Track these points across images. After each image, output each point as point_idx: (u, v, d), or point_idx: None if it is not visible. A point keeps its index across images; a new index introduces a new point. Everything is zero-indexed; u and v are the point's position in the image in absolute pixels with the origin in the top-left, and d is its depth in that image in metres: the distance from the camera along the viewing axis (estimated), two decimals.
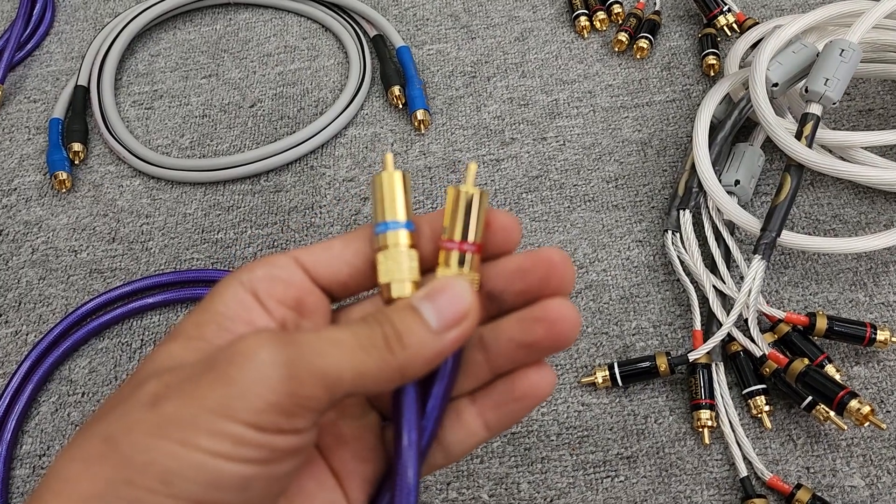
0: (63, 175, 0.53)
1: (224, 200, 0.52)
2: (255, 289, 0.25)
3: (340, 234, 0.27)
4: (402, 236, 0.25)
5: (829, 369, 0.40)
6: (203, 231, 0.51)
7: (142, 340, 0.48)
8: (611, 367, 0.42)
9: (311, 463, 0.25)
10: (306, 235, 0.50)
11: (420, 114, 0.53)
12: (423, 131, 0.54)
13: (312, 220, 0.51)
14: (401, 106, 0.55)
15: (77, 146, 0.55)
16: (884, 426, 0.36)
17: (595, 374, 0.42)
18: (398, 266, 0.25)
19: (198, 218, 0.52)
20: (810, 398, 0.39)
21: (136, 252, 0.51)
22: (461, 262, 0.25)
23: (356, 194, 0.52)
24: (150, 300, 0.47)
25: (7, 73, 0.60)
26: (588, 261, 0.47)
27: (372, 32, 0.59)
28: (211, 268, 0.50)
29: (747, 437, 0.40)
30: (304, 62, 0.59)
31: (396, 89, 0.55)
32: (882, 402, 0.41)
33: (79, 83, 0.58)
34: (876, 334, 0.41)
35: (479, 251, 0.25)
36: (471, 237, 0.25)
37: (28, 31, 0.63)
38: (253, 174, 0.53)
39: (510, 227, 0.26)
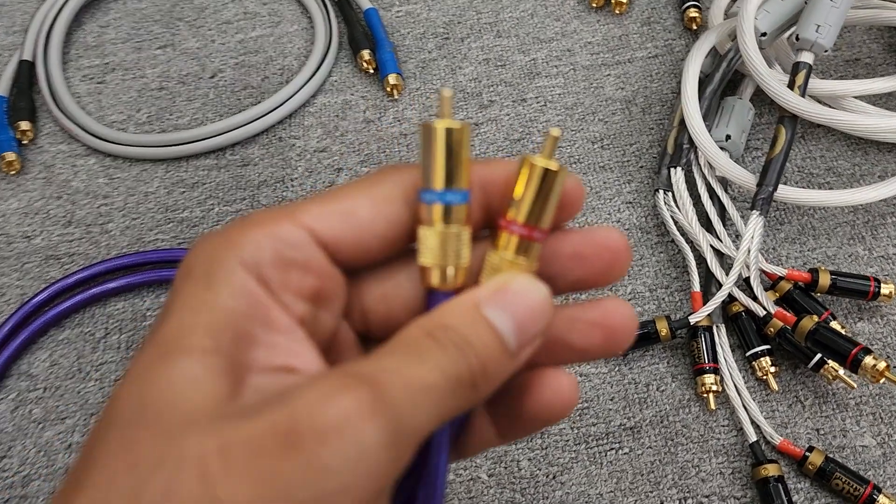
0: (11, 156, 0.49)
1: (188, 177, 0.49)
2: (264, 276, 0.20)
3: (359, 186, 0.22)
4: (460, 212, 0.21)
5: (835, 326, 0.39)
6: (167, 210, 0.48)
7: (106, 329, 0.44)
8: None
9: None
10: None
11: (392, 78, 0.50)
12: (396, 97, 0.51)
13: (283, 194, 0.48)
14: (372, 71, 0.52)
15: (24, 125, 0.51)
16: None
17: None
18: (451, 249, 0.21)
19: (160, 196, 0.48)
20: (818, 357, 0.37)
21: (94, 235, 0.47)
22: (525, 250, 0.21)
23: (329, 165, 0.49)
24: (112, 284, 0.44)
25: None
26: (577, 225, 0.45)
27: None
28: (177, 247, 0.46)
29: (754, 401, 0.38)
30: (266, 29, 0.56)
31: (366, 53, 0.52)
32: (889, 357, 0.40)
33: (23, 58, 0.54)
34: (880, 288, 0.40)
35: (545, 236, 0.22)
36: (545, 223, 0.21)
37: None
38: (217, 148, 0.50)
39: (574, 195, 0.22)
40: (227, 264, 0.20)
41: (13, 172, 0.50)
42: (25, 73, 0.54)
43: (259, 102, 0.51)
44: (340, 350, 0.24)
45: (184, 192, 0.48)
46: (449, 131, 0.20)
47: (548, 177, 0.21)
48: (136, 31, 0.57)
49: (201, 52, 0.55)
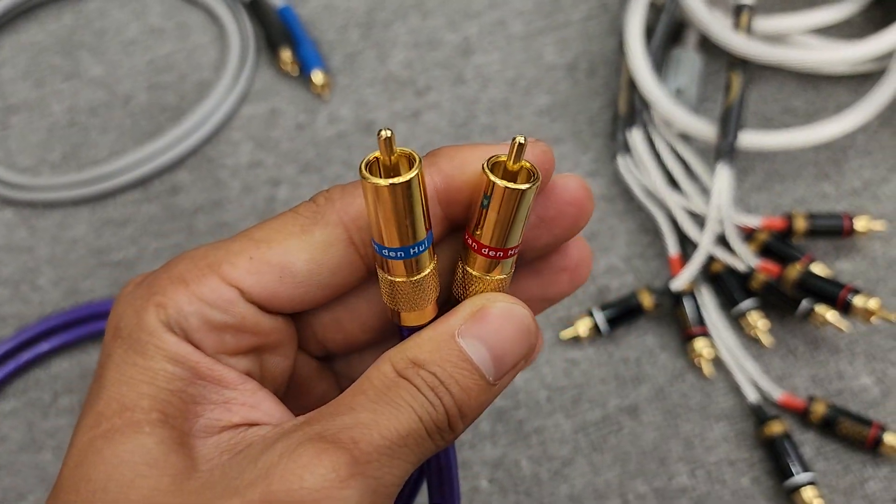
0: None
1: (116, 215, 0.45)
2: (195, 341, 0.19)
3: (292, 226, 0.20)
4: (423, 259, 0.19)
5: (817, 269, 0.38)
6: (99, 254, 0.44)
7: (54, 392, 0.41)
8: (591, 314, 0.38)
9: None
10: (219, 237, 0.44)
11: (318, 76, 0.47)
12: (326, 96, 0.48)
13: (222, 217, 0.45)
14: (296, 73, 0.48)
15: None
16: (893, 318, 0.34)
17: (576, 325, 0.38)
18: (420, 295, 0.19)
19: (89, 240, 0.45)
20: (805, 304, 0.36)
21: (24, 293, 0.43)
22: (499, 267, 0.19)
23: (267, 179, 0.45)
24: (53, 343, 0.41)
25: None
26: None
27: None
28: (116, 292, 0.43)
29: (748, 359, 0.37)
30: (175, 43, 0.52)
31: (286, 55, 0.48)
32: (871, 291, 0.39)
33: None
34: (854, 223, 0.39)
35: (519, 247, 0.20)
36: (514, 241, 0.19)
37: None
38: (143, 179, 0.46)
39: (575, 205, 0.20)
40: (152, 328, 0.18)
41: None
42: None
43: (179, 123, 0.47)
44: (302, 381, 0.22)
45: (113, 232, 0.45)
46: (393, 188, 0.17)
47: (510, 196, 0.18)
48: (34, 66, 0.52)
49: (109, 79, 0.51)
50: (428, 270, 0.19)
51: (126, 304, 0.20)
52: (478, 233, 0.19)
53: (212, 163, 0.46)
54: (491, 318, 0.19)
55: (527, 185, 0.18)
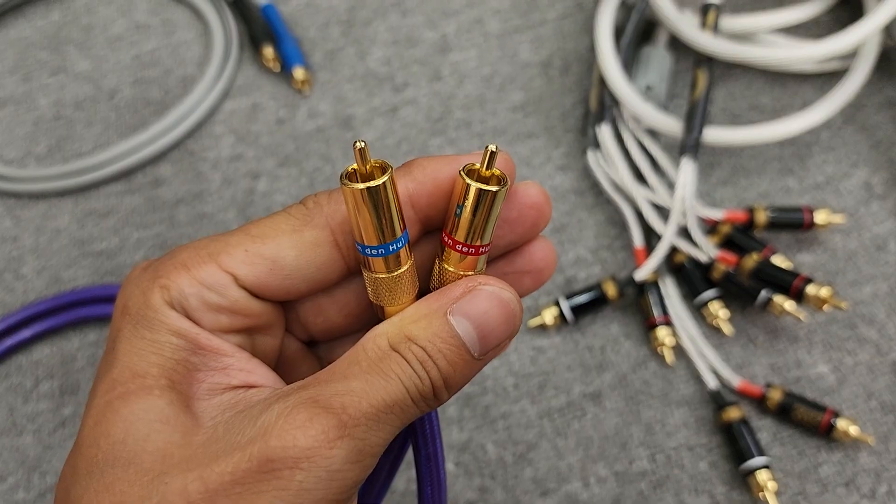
0: None
1: (99, 206, 0.46)
2: (195, 318, 0.21)
3: (284, 225, 0.22)
4: (401, 255, 0.21)
5: (777, 260, 0.39)
6: (82, 244, 0.45)
7: (35, 378, 0.42)
8: (557, 304, 0.39)
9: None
10: (199, 228, 0.45)
11: (299, 72, 0.48)
12: (306, 92, 0.49)
13: (202, 209, 0.46)
14: (278, 70, 0.50)
15: None
16: (844, 305, 0.35)
17: (542, 314, 0.39)
18: (401, 290, 0.21)
19: (72, 231, 0.46)
20: (764, 294, 0.37)
21: (7, 282, 0.44)
22: (473, 263, 0.21)
23: (247, 172, 0.46)
24: (34, 330, 0.42)
25: None
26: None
27: None
28: (100, 283, 0.44)
29: (708, 347, 0.38)
30: (161, 40, 0.53)
31: (268, 51, 0.49)
32: (832, 281, 0.40)
33: None
34: (815, 217, 0.40)
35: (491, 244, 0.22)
36: (487, 238, 0.21)
37: None
38: (126, 171, 0.47)
39: (535, 209, 0.22)
40: (157, 306, 0.21)
41: None
42: None
43: (163, 117, 0.48)
44: (288, 360, 0.24)
45: (97, 222, 0.46)
46: (368, 191, 0.19)
47: (484, 197, 0.20)
48: (22, 61, 0.53)
49: (95, 74, 0.52)
50: (406, 266, 0.21)
51: (133, 286, 0.22)
52: (454, 232, 0.21)
53: (193, 156, 0.48)
54: (480, 298, 0.21)
55: (497, 188, 0.20)
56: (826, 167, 0.43)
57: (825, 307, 0.35)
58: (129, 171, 0.47)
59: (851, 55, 0.43)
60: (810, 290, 0.35)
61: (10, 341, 0.41)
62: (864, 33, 0.40)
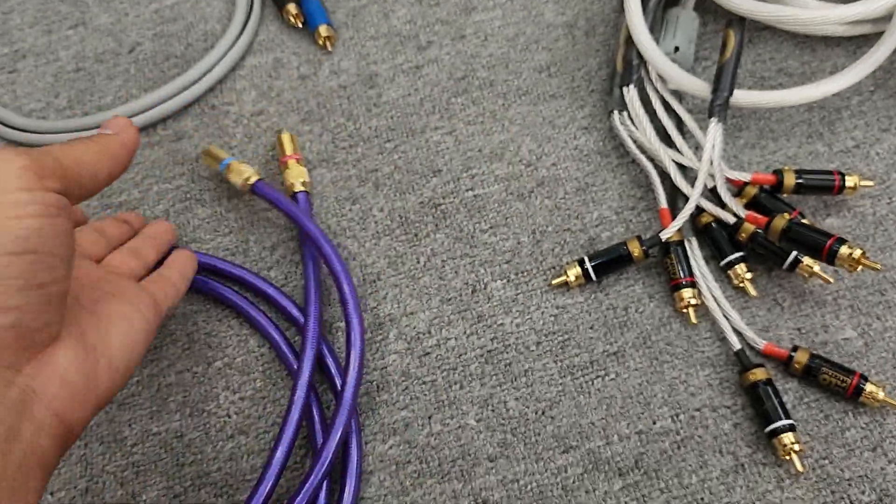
0: None
1: None
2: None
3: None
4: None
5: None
6: (102, 196, 0.45)
7: None
8: (581, 263, 0.39)
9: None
10: (220, 182, 0.45)
11: (323, 30, 0.48)
12: (329, 49, 0.48)
13: None
14: (300, 25, 0.49)
15: None
16: (878, 266, 0.34)
17: (566, 272, 0.39)
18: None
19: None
20: (793, 256, 0.37)
21: None
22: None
23: (268, 127, 0.46)
24: None
25: None
26: (534, 157, 0.43)
27: None
28: None
29: (733, 309, 0.38)
30: None
31: (292, 7, 0.49)
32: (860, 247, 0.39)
33: None
34: (844, 181, 0.39)
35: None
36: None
37: None
38: (148, 124, 0.47)
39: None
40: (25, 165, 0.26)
41: None
42: None
43: (184, 72, 0.48)
44: None
45: None
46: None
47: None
48: (42, 14, 0.53)
49: (116, 27, 0.51)
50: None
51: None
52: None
53: (215, 110, 0.47)
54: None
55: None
56: (856, 132, 0.43)
57: (859, 268, 0.34)
58: (151, 124, 0.47)
59: (885, 18, 0.42)
60: (844, 250, 0.34)
61: None
62: None
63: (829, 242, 0.34)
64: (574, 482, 0.35)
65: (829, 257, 0.34)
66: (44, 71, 0.50)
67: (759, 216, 0.37)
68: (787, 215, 0.36)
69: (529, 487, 0.35)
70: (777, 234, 0.36)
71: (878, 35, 0.42)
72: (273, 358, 0.39)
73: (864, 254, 0.34)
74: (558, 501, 0.35)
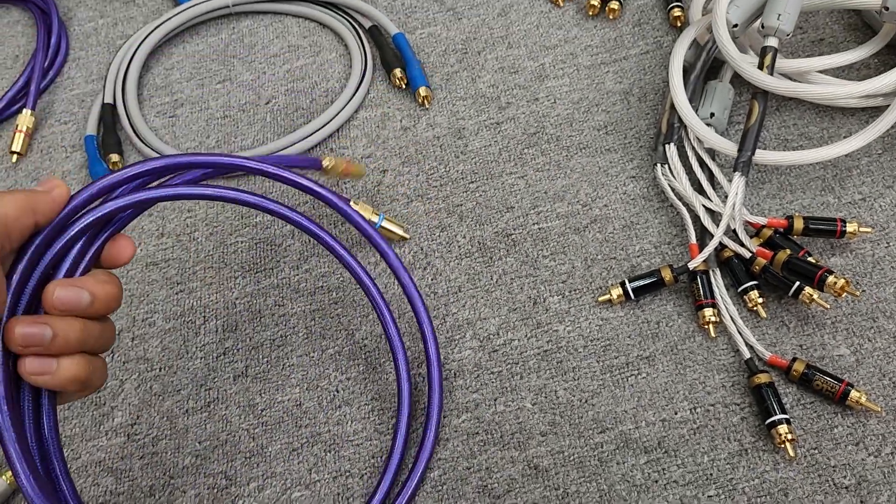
0: None
1: (257, 188, 0.58)
2: None
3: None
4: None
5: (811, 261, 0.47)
6: (242, 217, 0.57)
7: (204, 317, 0.53)
8: (623, 284, 0.48)
9: None
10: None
11: (423, 91, 0.59)
12: (427, 106, 0.59)
13: (343, 191, 0.57)
14: (403, 86, 0.61)
15: (115, 157, 0.60)
16: (857, 293, 0.43)
17: (610, 291, 0.48)
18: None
19: (236, 206, 0.57)
20: (796, 285, 0.45)
21: (184, 243, 0.56)
22: None
23: (375, 167, 0.57)
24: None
25: (37, 100, 0.65)
26: (590, 199, 0.53)
27: (367, 24, 0.65)
28: (254, 249, 0.55)
29: (746, 327, 0.46)
30: (309, 58, 0.65)
31: (398, 72, 0.60)
32: (858, 283, 0.47)
33: (105, 101, 0.64)
34: (846, 227, 0.47)
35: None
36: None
37: (48, 60, 0.68)
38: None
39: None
40: None
41: None
42: (109, 114, 0.63)
43: (310, 121, 0.60)
44: None
45: None
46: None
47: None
48: (197, 71, 0.66)
49: (255, 83, 0.64)
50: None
51: None
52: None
53: (333, 152, 0.59)
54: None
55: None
56: (863, 187, 0.51)
57: (843, 295, 0.42)
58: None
59: (894, 94, 0.51)
60: (830, 279, 0.43)
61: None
62: None
63: (819, 273, 0.43)
64: (608, 456, 0.44)
65: (820, 284, 0.43)
66: (197, 117, 0.63)
67: (767, 251, 0.46)
68: (787, 251, 0.45)
69: (572, 458, 0.44)
70: (780, 265, 0.44)
71: (888, 107, 0.50)
72: (374, 348, 0.50)
73: (847, 282, 0.42)
74: (594, 470, 0.44)
